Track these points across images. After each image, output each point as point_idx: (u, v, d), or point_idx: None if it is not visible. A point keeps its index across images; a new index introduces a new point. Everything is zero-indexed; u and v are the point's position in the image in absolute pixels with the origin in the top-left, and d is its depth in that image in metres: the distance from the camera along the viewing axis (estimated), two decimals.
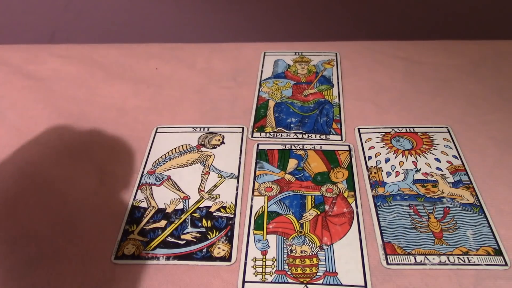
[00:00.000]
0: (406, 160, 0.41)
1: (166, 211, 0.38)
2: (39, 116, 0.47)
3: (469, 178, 0.40)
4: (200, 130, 0.45)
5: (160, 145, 0.44)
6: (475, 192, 0.38)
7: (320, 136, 0.44)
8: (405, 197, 0.38)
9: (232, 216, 0.37)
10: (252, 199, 0.38)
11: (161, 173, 0.41)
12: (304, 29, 0.67)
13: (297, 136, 0.44)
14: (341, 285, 0.32)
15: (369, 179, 0.40)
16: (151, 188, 0.40)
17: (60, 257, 0.34)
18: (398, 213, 0.37)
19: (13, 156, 0.43)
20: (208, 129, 0.45)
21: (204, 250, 0.34)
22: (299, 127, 0.45)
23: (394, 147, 0.43)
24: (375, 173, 0.40)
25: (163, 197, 0.39)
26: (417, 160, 0.41)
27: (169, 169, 0.41)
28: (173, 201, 0.38)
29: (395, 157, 0.42)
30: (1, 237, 0.36)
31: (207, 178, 0.40)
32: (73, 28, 0.67)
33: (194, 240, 0.35)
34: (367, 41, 0.57)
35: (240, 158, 0.42)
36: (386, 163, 0.41)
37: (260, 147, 0.43)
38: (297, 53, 0.55)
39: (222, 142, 0.44)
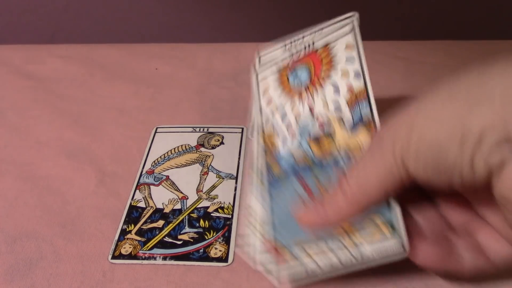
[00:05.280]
0: (303, 107, 0.31)
1: (164, 211, 0.38)
2: (39, 116, 0.48)
3: (370, 107, 0.28)
4: (199, 130, 0.45)
5: (159, 145, 0.44)
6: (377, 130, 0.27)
7: None
8: (297, 169, 0.29)
9: (230, 217, 0.37)
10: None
11: (159, 173, 0.41)
12: (304, 29, 0.67)
13: None
14: None
15: (265, 158, 0.31)
16: (150, 188, 0.40)
17: (59, 257, 0.35)
18: (289, 197, 0.28)
19: (13, 156, 0.43)
20: (207, 129, 0.45)
21: (201, 250, 0.34)
22: None
23: (292, 89, 0.32)
24: (271, 145, 0.31)
25: (161, 197, 0.39)
26: (313, 100, 0.31)
27: (168, 169, 0.41)
28: (171, 201, 0.38)
29: (292, 108, 0.31)
30: (1, 237, 0.36)
31: (205, 179, 0.40)
32: (73, 28, 0.67)
33: (191, 240, 0.35)
34: (367, 41, 0.56)
35: (239, 158, 0.42)
36: (282, 121, 0.31)
37: None
38: None
39: (222, 143, 0.44)
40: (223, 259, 0.34)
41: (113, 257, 0.35)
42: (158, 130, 0.45)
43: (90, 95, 0.50)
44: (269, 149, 0.31)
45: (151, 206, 0.38)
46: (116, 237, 0.36)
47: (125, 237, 0.36)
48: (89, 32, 0.67)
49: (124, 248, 0.35)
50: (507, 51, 0.54)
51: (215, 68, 0.54)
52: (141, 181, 0.40)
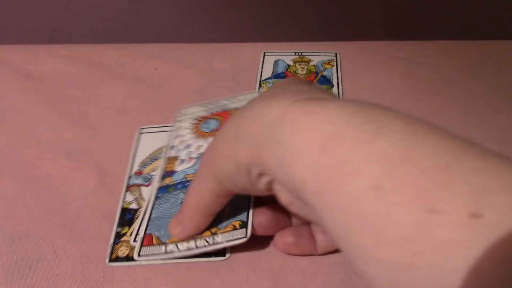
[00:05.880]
0: (205, 143, 0.39)
1: None
2: (39, 116, 0.47)
3: None
4: None
5: (145, 145, 0.43)
6: None
7: None
8: (186, 184, 0.36)
9: None
10: None
11: (149, 174, 0.41)
12: (304, 29, 0.67)
13: None
14: None
15: (164, 171, 0.38)
16: (140, 189, 0.39)
17: (59, 257, 0.35)
18: (172, 202, 0.35)
19: (13, 156, 0.43)
20: None
21: None
22: None
23: (201, 132, 0.40)
24: (171, 163, 0.38)
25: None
26: None
27: (157, 169, 0.41)
28: None
29: (196, 143, 0.39)
30: (1, 237, 0.36)
31: None
32: (73, 28, 0.67)
33: None
34: (367, 41, 0.56)
35: None
36: (185, 150, 0.39)
37: None
38: (297, 53, 0.55)
39: None
40: (220, 253, 0.34)
41: (111, 260, 0.34)
42: (143, 131, 0.45)
43: (90, 95, 0.50)
44: (168, 167, 0.38)
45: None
46: (111, 240, 0.36)
47: (121, 239, 0.36)
48: (89, 32, 0.67)
49: (121, 250, 0.35)
50: (507, 51, 0.54)
51: (215, 68, 0.54)
52: (131, 182, 0.40)
